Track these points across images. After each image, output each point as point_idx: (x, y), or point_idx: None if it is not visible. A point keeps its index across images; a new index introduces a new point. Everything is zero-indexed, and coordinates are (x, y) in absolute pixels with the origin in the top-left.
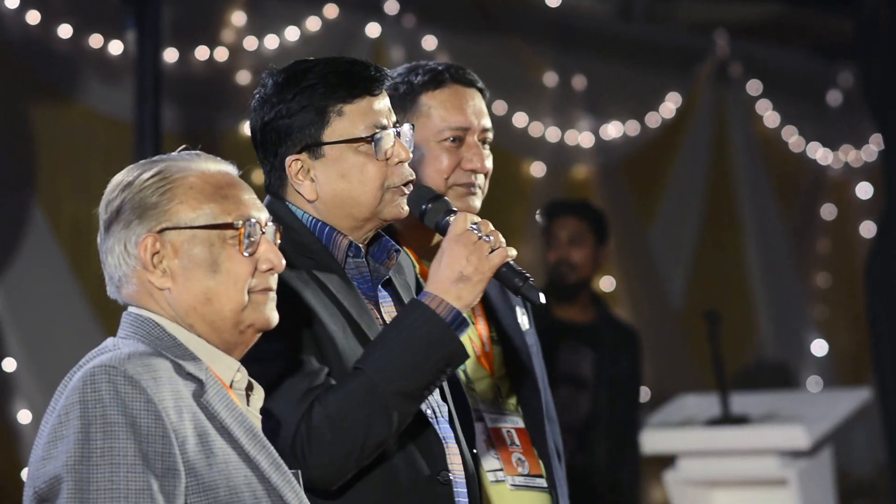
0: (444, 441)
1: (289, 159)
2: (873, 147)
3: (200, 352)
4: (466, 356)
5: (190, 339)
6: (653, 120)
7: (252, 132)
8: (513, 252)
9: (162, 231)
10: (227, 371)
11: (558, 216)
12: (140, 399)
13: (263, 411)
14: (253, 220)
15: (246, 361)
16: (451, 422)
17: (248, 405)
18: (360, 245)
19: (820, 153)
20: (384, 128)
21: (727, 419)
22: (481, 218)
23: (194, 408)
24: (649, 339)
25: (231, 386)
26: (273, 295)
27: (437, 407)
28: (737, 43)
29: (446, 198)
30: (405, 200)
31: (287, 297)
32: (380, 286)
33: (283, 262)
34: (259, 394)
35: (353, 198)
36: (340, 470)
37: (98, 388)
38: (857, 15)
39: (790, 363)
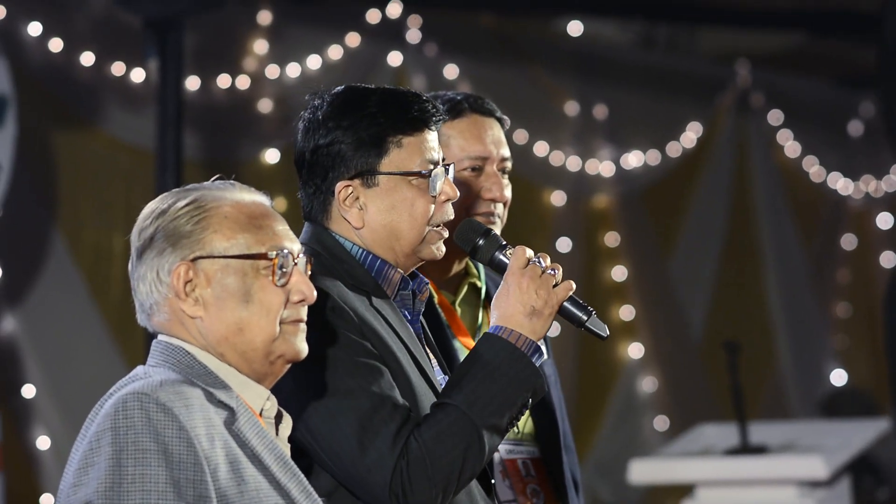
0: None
1: (339, 185)
2: (894, 177)
3: (231, 380)
4: (546, 389)
5: (220, 368)
6: (674, 149)
7: (299, 153)
8: (573, 285)
9: (195, 260)
10: (257, 399)
11: None
12: (172, 426)
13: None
14: (286, 251)
15: (329, 396)
16: None
17: (276, 434)
18: (408, 278)
19: (841, 183)
20: (436, 164)
21: (746, 449)
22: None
23: (226, 435)
24: (668, 369)
25: (261, 414)
26: (304, 326)
27: None
28: (758, 73)
29: (495, 232)
30: (442, 244)
31: (363, 330)
32: None
33: (315, 293)
34: (287, 423)
35: (398, 230)
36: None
37: (130, 415)
38: (878, 45)
39: (809, 393)
